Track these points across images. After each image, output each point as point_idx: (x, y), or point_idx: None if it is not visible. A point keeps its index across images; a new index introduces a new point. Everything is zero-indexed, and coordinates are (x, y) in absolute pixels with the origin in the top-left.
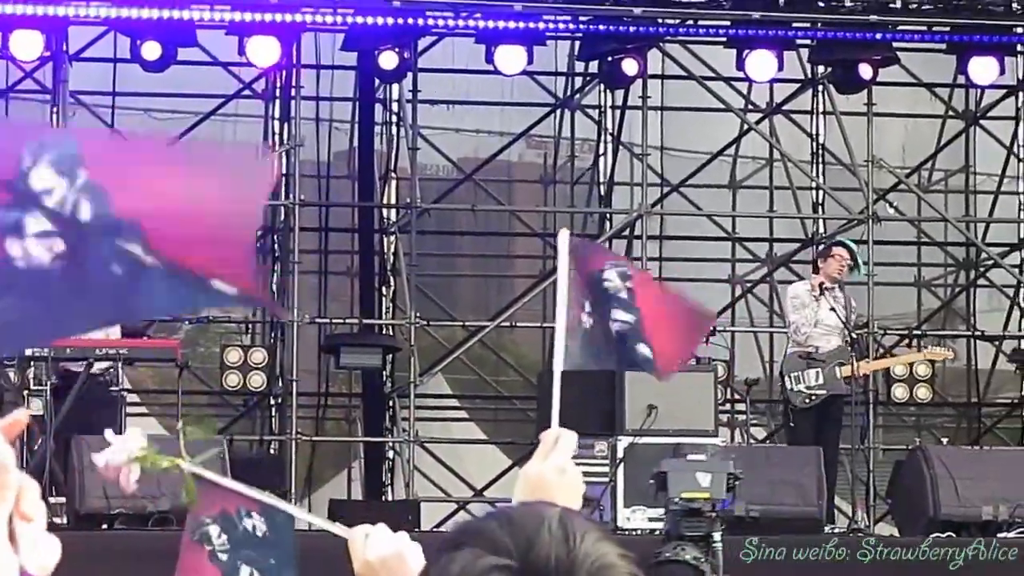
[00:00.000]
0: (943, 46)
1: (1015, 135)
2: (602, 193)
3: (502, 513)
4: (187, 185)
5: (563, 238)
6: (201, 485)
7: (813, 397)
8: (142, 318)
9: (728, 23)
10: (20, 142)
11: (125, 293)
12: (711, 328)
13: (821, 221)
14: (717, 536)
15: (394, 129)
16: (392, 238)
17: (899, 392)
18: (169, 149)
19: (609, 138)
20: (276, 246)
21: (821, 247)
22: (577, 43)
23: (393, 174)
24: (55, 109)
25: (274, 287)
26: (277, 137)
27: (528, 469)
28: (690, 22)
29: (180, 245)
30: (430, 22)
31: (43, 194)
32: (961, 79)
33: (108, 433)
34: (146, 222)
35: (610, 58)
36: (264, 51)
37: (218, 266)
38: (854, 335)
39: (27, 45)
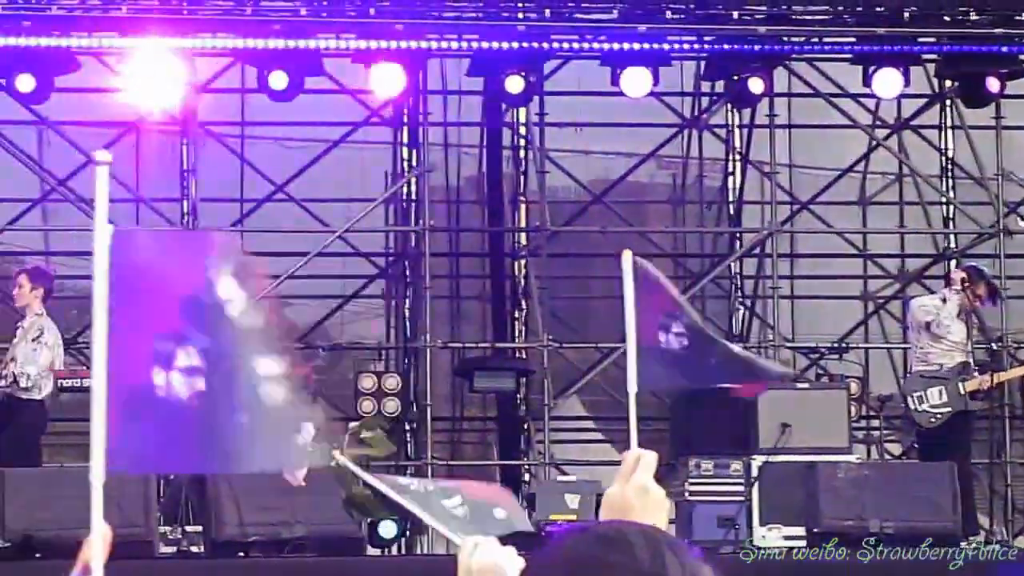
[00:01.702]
0: None
1: None
2: (731, 212)
3: (591, 531)
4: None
5: (627, 260)
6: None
7: (938, 416)
8: (248, 470)
9: (853, 40)
10: (203, 254)
11: (242, 445)
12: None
13: (952, 236)
14: None
15: (522, 153)
16: (523, 262)
17: None
18: None
19: (737, 157)
20: (408, 272)
21: (967, 271)
22: (703, 63)
23: (522, 198)
24: (185, 140)
25: (407, 312)
26: (406, 163)
27: (611, 491)
28: (815, 40)
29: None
30: (555, 45)
31: (226, 303)
32: None
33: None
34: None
35: (736, 77)
36: (390, 78)
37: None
38: (991, 346)
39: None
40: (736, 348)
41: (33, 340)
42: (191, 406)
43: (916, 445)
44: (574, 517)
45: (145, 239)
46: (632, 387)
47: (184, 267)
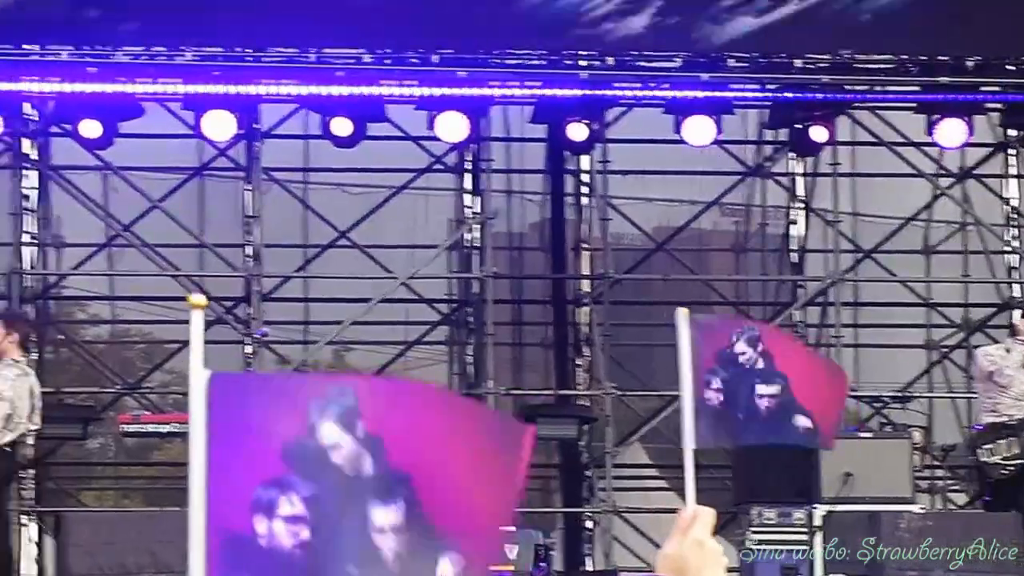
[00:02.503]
0: None
1: None
2: (794, 260)
3: None
4: (458, 444)
5: (682, 318)
6: None
7: (1009, 468)
8: None
9: (917, 88)
10: (305, 398)
11: None
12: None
13: (1016, 285)
14: None
15: (585, 200)
16: (586, 309)
17: None
18: (439, 397)
19: (800, 205)
20: (470, 318)
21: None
22: (766, 111)
23: (585, 245)
24: (249, 186)
25: (469, 359)
26: (469, 210)
27: (666, 548)
28: (878, 88)
29: (443, 510)
30: (618, 93)
31: (331, 449)
32: None
33: None
34: (416, 480)
35: (799, 125)
36: (453, 126)
37: (464, 539)
38: None
39: (220, 125)
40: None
41: None
42: (295, 556)
43: (987, 497)
44: (512, 568)
45: (245, 382)
46: (689, 443)
47: (286, 411)
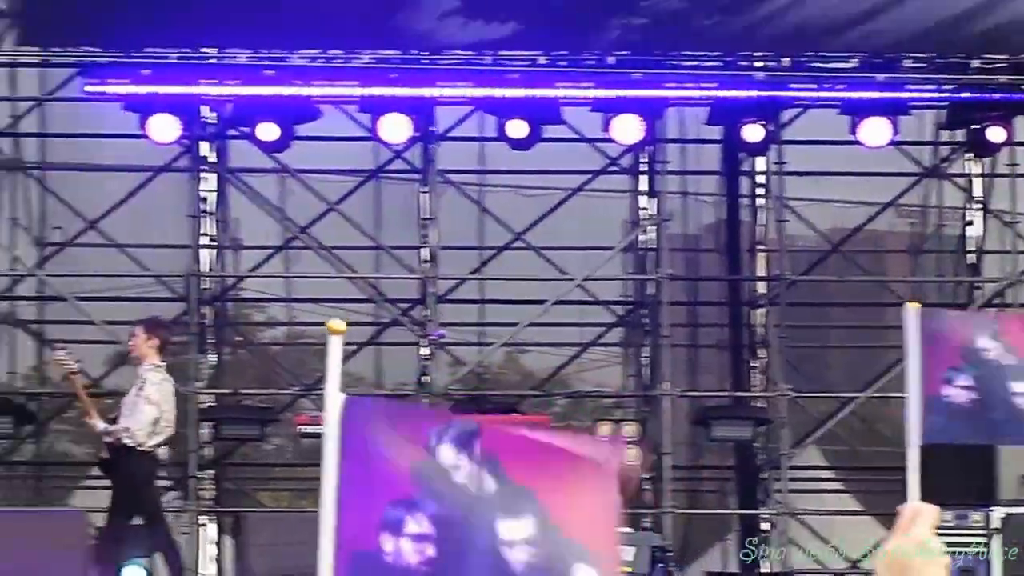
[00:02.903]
0: None
1: None
2: (971, 261)
3: None
4: (571, 466)
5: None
6: None
7: None
8: None
9: None
10: (429, 425)
11: None
12: None
13: None
14: None
15: (760, 201)
16: (761, 310)
17: None
18: (551, 431)
19: (977, 206)
20: (646, 320)
21: None
22: (943, 111)
23: (760, 246)
24: (425, 188)
25: (645, 360)
26: (644, 212)
27: (887, 546)
28: None
29: (570, 521)
30: (793, 94)
31: (453, 469)
32: None
33: None
34: (540, 494)
35: (976, 126)
36: (629, 127)
37: (593, 548)
38: None
39: (396, 128)
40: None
41: (137, 392)
42: (420, 573)
43: None
44: (629, 570)
45: (376, 406)
46: (915, 439)
47: (411, 435)
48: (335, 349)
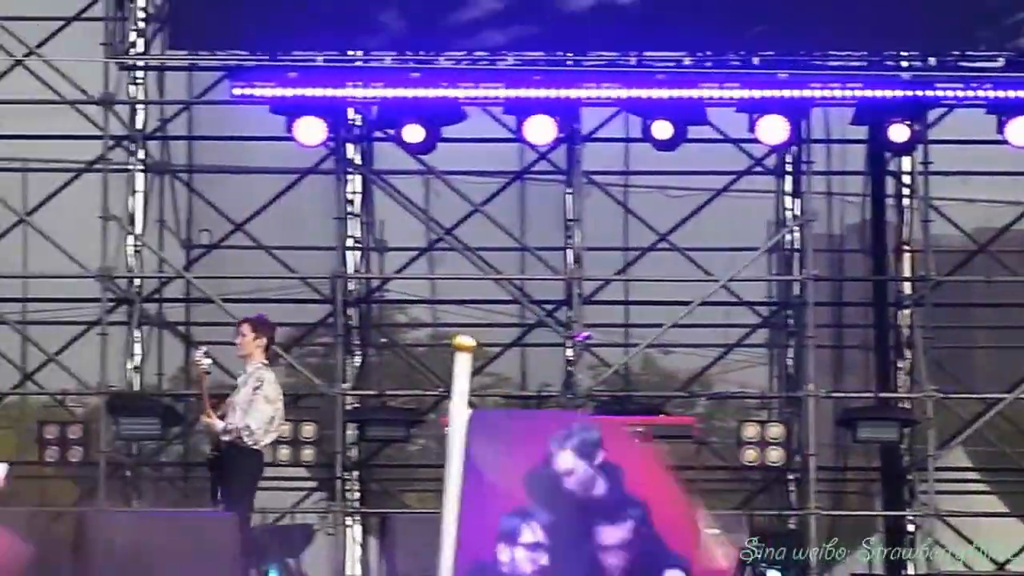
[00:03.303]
0: None
1: None
2: None
3: None
4: (670, 482)
5: None
6: None
7: None
8: None
9: None
10: (549, 431)
11: None
12: None
13: None
14: None
15: (906, 201)
16: (907, 311)
17: None
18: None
19: None
20: (790, 321)
21: None
22: None
23: (906, 246)
24: (569, 190)
25: (790, 361)
26: (789, 212)
27: None
28: None
29: (672, 530)
30: (939, 94)
31: (564, 475)
32: None
33: None
34: (651, 504)
35: None
36: (774, 128)
37: (690, 555)
38: None
39: (541, 129)
40: None
41: (254, 391)
42: None
43: None
44: None
45: (497, 418)
46: None
47: (529, 443)
48: (463, 365)
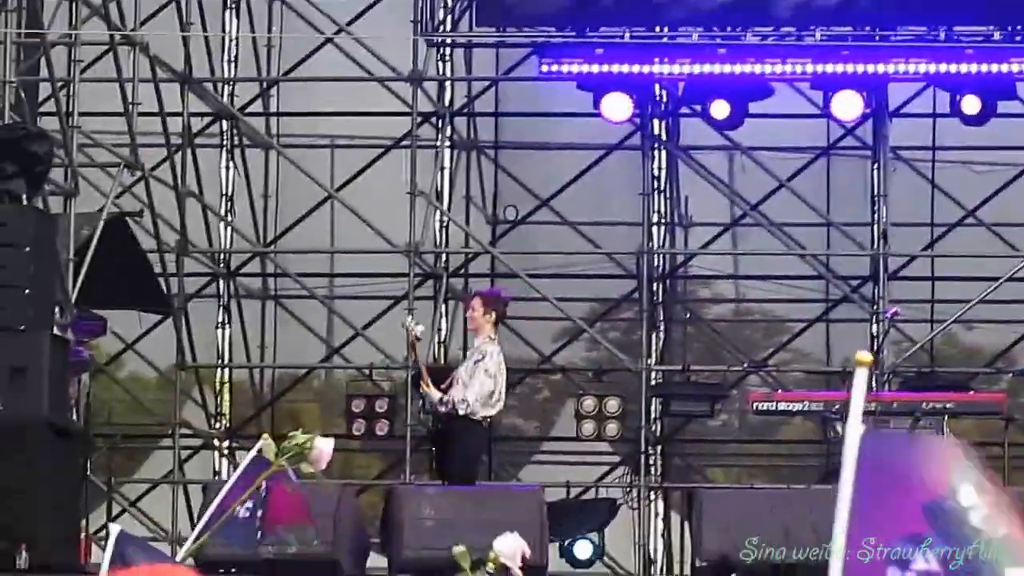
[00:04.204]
0: None
1: None
2: None
3: None
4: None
5: None
6: None
7: None
8: None
9: None
10: (948, 459)
11: None
12: None
13: None
14: None
15: None
16: None
17: None
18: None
19: None
20: None
21: None
22: None
23: None
24: (876, 165)
25: None
26: None
27: None
28: None
29: None
30: None
31: (970, 510)
32: None
33: None
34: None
35: None
36: None
37: None
38: None
39: (848, 104)
40: None
41: (475, 363)
42: None
43: None
44: None
45: (893, 441)
46: None
47: (930, 470)
48: (860, 380)
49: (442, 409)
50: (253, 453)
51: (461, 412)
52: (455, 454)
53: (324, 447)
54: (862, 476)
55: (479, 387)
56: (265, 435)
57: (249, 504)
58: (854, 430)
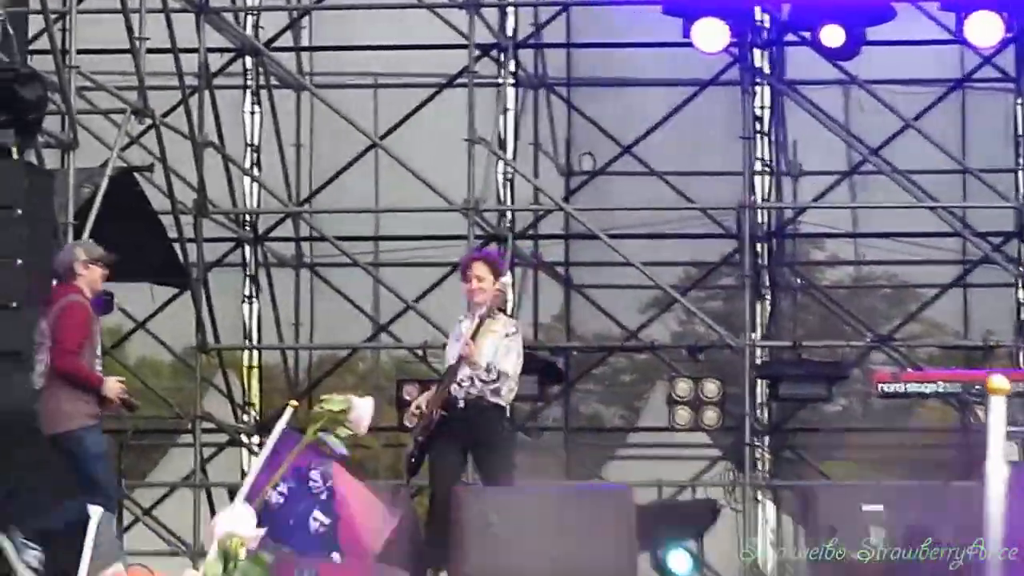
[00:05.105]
0: None
1: None
2: None
3: None
4: None
5: None
6: None
7: None
8: None
9: None
10: None
11: None
12: None
13: None
14: None
15: None
16: None
17: None
18: None
19: None
20: None
21: None
22: None
23: None
24: (1020, 100)
25: None
26: None
27: None
28: None
29: None
30: None
31: None
32: None
33: None
34: None
35: None
36: None
37: None
38: None
39: (987, 27)
40: None
41: (506, 337)
42: None
43: None
44: None
45: None
46: None
47: None
48: (997, 410)
49: (479, 384)
50: (281, 425)
51: (500, 388)
52: (495, 462)
53: (363, 408)
54: (1010, 511)
55: (514, 367)
56: (292, 401)
57: (319, 515)
58: (997, 467)
